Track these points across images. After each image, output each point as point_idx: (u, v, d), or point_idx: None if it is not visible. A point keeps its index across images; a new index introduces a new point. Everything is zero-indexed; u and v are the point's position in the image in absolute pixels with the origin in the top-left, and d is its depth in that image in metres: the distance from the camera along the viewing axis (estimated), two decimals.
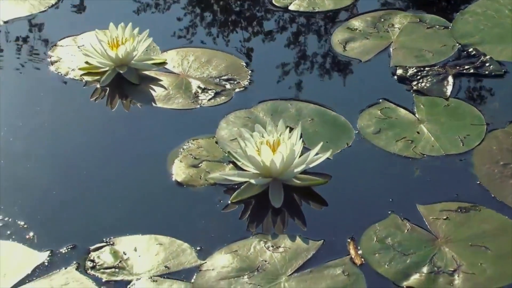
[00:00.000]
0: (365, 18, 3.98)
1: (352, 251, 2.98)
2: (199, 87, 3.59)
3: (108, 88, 3.65)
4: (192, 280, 2.91)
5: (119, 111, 3.57)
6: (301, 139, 3.17)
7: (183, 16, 4.19)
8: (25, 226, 3.08)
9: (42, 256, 2.98)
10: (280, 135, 3.17)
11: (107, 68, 3.68)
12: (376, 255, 2.92)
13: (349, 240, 3.02)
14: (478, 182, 3.18)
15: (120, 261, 2.94)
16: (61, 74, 3.72)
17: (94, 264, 2.94)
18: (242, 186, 3.15)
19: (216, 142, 3.37)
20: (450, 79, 3.58)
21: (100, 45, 3.64)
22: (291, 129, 3.22)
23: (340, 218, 3.10)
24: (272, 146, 3.15)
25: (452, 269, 2.86)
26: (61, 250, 3.00)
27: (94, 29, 3.88)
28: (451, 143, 3.32)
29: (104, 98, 3.60)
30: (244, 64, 3.70)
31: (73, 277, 2.91)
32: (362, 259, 2.95)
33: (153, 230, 3.06)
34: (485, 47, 3.75)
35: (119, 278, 2.91)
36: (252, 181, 3.12)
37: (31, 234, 3.06)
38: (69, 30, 3.96)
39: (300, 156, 3.18)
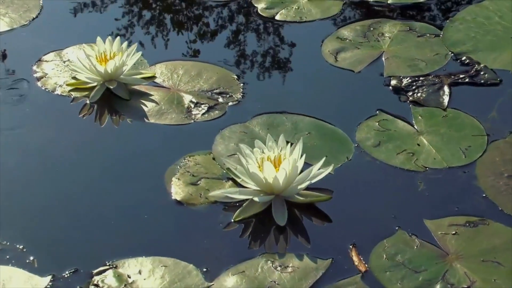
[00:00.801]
0: (355, 27, 3.94)
1: (355, 258, 2.96)
2: (191, 101, 3.53)
3: (97, 104, 3.55)
4: None
5: (110, 127, 3.50)
6: (304, 154, 3.07)
7: (169, 29, 4.09)
8: (24, 249, 3.01)
9: (44, 281, 2.91)
10: (281, 151, 3.08)
11: (95, 84, 3.58)
12: (387, 273, 2.88)
13: (350, 247, 2.98)
14: (484, 195, 3.14)
15: (125, 285, 2.88)
16: (48, 90, 3.61)
17: None
18: (244, 204, 3.10)
19: (214, 158, 3.31)
20: (446, 88, 3.53)
21: (88, 60, 3.53)
22: (290, 144, 3.10)
23: (345, 235, 3.04)
24: (274, 162, 3.03)
25: (466, 286, 2.81)
26: (63, 275, 2.92)
27: (77, 43, 3.85)
28: (453, 155, 3.28)
29: (94, 115, 3.54)
30: (235, 76, 3.62)
31: None
32: (366, 266, 2.91)
33: (156, 252, 3.00)
34: (478, 55, 3.72)
35: None
36: (256, 199, 3.06)
37: (31, 258, 2.98)
38: (53, 45, 3.85)
39: (301, 172, 3.07)
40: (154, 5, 4.19)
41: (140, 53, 3.60)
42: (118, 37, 3.60)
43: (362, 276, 2.88)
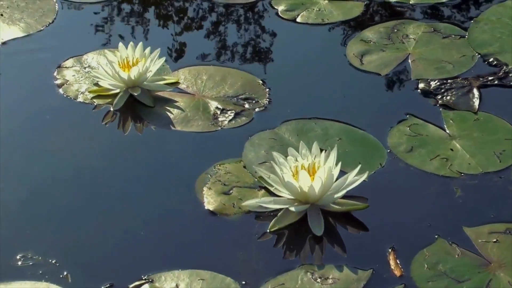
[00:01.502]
0: (378, 29, 3.88)
1: (392, 262, 2.93)
2: (217, 107, 3.47)
3: (121, 111, 3.49)
4: None
5: (135, 135, 3.44)
6: (339, 162, 3.02)
7: (190, 34, 4.01)
8: (57, 264, 2.93)
9: None
10: (314, 158, 3.02)
11: (118, 90, 3.52)
12: (430, 283, 2.84)
13: (389, 250, 2.95)
14: None
15: None
16: (70, 98, 3.53)
17: None
18: (279, 214, 3.05)
19: (244, 166, 3.25)
20: (475, 91, 3.49)
21: (111, 66, 3.46)
22: (323, 151, 3.06)
23: (383, 244, 3.00)
24: (308, 170, 2.98)
25: None
26: None
27: (96, 48, 3.76)
28: (488, 160, 3.23)
29: (118, 122, 3.48)
30: (261, 81, 3.55)
31: None
32: (402, 270, 2.88)
33: (192, 264, 2.95)
34: (505, 56, 3.68)
35: None
36: (292, 208, 3.01)
37: (64, 273, 2.90)
38: (72, 50, 3.77)
39: (336, 180, 3.04)
40: (174, 10, 4.08)
41: (163, 58, 3.54)
42: (141, 43, 3.54)
43: (404, 286, 2.80)
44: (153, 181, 3.27)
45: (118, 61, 3.53)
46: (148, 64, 3.51)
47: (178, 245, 3.04)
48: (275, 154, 3.09)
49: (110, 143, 3.41)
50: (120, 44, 3.53)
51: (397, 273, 2.86)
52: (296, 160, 3.09)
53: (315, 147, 3.08)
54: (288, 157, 3.08)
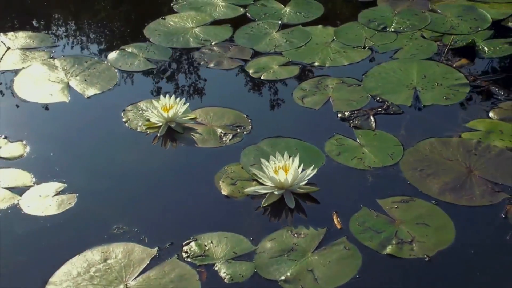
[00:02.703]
0: (309, 82, 3.82)
1: (335, 220, 2.90)
2: (221, 132, 3.36)
3: (163, 136, 3.37)
4: (254, 260, 2.63)
5: (173, 150, 3.37)
6: (302, 164, 2.93)
7: (197, 90, 3.91)
8: (137, 231, 2.80)
9: (153, 252, 2.69)
10: (285, 162, 2.94)
11: (161, 124, 3.36)
12: (361, 234, 2.78)
13: (334, 212, 2.93)
14: (408, 183, 3.02)
15: (204, 251, 2.70)
16: (132, 129, 3.40)
17: (188, 254, 2.70)
18: (267, 196, 2.94)
19: (242, 167, 3.13)
20: (371, 117, 3.45)
21: (157, 109, 3.36)
22: (289, 156, 3.02)
23: (329, 211, 2.94)
24: (283, 169, 2.94)
25: (410, 240, 2.69)
26: (165, 246, 2.72)
27: (144, 98, 3.67)
28: (385, 159, 3.22)
29: (162, 143, 3.37)
30: (245, 115, 3.43)
31: (177, 264, 2.69)
32: (341, 225, 2.86)
33: (218, 228, 2.86)
34: (386, 96, 3.66)
35: (206, 262, 2.68)
36: (276, 192, 2.91)
37: (143, 236, 2.76)
38: (130, 100, 3.62)
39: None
40: (189, 76, 3.94)
41: (187, 104, 3.44)
42: (173, 95, 3.39)
43: (347, 237, 2.71)
44: (188, 177, 3.19)
45: (161, 106, 3.33)
46: (178, 107, 3.35)
47: (208, 216, 2.96)
48: (262, 160, 2.99)
49: (158, 155, 3.30)
50: (161, 96, 3.43)
51: (339, 226, 2.80)
52: (275, 163, 2.95)
53: (286, 154, 3.01)
54: (271, 161, 2.94)
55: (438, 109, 3.51)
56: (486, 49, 3.99)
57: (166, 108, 3.39)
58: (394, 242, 2.70)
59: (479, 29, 4.21)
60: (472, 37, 4.11)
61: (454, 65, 3.86)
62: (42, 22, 4.70)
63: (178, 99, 3.40)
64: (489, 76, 3.77)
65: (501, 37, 4.12)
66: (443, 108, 3.52)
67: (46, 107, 3.63)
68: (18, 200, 2.97)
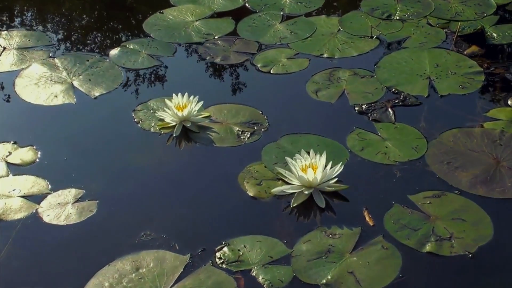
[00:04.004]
0: (321, 75, 3.72)
1: (366, 216, 2.84)
2: (238, 130, 3.26)
3: (179, 136, 3.28)
4: (291, 264, 2.56)
5: (190, 151, 3.28)
6: (330, 161, 2.86)
7: (211, 85, 3.79)
8: (166, 237, 2.71)
9: (186, 259, 2.61)
10: (312, 160, 2.86)
11: (175, 123, 3.26)
12: (398, 232, 2.71)
13: (364, 208, 2.86)
14: (437, 176, 2.95)
15: (238, 256, 2.62)
16: (145, 129, 3.30)
17: (222, 260, 2.61)
18: (295, 195, 2.85)
19: (265, 166, 3.04)
20: (390, 110, 3.37)
21: (171, 108, 3.25)
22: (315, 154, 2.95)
23: (360, 208, 2.86)
24: (311, 167, 2.87)
25: (448, 236, 2.64)
26: (197, 253, 2.63)
27: (153, 97, 3.58)
28: (410, 152, 3.15)
29: (178, 143, 3.29)
30: (260, 112, 3.35)
31: (212, 272, 2.60)
32: (373, 221, 2.80)
33: (249, 231, 2.78)
34: (401, 87, 3.57)
35: (242, 268, 2.60)
36: (306, 192, 2.84)
37: (173, 243, 2.67)
38: (139, 99, 3.53)
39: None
40: (197, 70, 3.83)
41: (201, 102, 3.33)
42: (186, 93, 3.31)
43: (383, 236, 2.65)
44: (209, 179, 3.10)
45: (175, 105, 3.24)
46: (193, 106, 3.25)
47: (236, 218, 2.89)
48: (288, 159, 2.92)
49: (176, 156, 3.23)
50: (174, 95, 3.32)
51: (371, 223, 2.74)
52: (301, 161, 2.87)
53: (312, 152, 2.95)
54: (297, 160, 2.87)
55: (455, 99, 3.47)
56: (494, 35, 3.95)
57: (180, 107, 3.27)
58: (432, 239, 2.65)
59: (485, 14, 4.16)
60: (478, 23, 4.06)
61: (465, 53, 3.80)
62: (35, 19, 4.55)
63: (192, 97, 3.29)
64: (502, 63, 3.71)
65: (508, 22, 4.09)
66: (460, 98, 3.47)
67: (52, 109, 3.50)
68: (36, 209, 2.87)
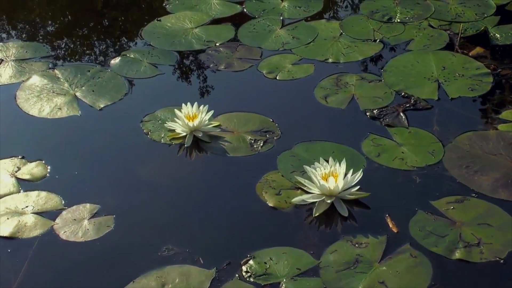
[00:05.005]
0: (328, 80, 3.68)
1: (389, 223, 2.79)
2: (251, 139, 3.21)
3: (190, 147, 3.23)
4: (320, 276, 2.52)
5: (203, 161, 3.21)
6: (351, 169, 2.82)
7: (218, 94, 3.73)
8: (189, 251, 2.65)
9: (212, 273, 2.56)
10: (331, 168, 2.83)
11: (186, 134, 3.21)
12: (425, 239, 2.67)
13: (387, 215, 2.82)
14: (458, 181, 2.93)
15: (266, 269, 2.58)
16: (155, 141, 3.24)
17: (250, 273, 2.56)
18: (316, 204, 2.81)
19: (282, 175, 2.99)
20: (402, 114, 3.33)
21: (182, 119, 3.19)
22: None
23: (383, 215, 2.80)
24: (332, 175, 2.82)
25: (477, 242, 2.61)
26: (222, 267, 2.58)
27: (160, 107, 3.49)
28: (427, 157, 3.11)
29: (190, 153, 3.24)
30: (271, 119, 3.30)
31: (241, 286, 2.53)
32: (397, 228, 2.75)
33: (273, 243, 2.73)
34: (410, 90, 3.55)
35: (271, 281, 2.57)
36: (328, 201, 2.81)
37: (197, 257, 2.62)
38: (145, 110, 3.45)
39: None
40: (202, 80, 3.82)
41: (212, 111, 3.27)
42: (196, 102, 3.26)
43: (410, 244, 2.62)
44: (226, 189, 3.05)
45: (185, 115, 3.19)
46: (203, 115, 3.20)
47: (259, 230, 2.84)
48: (307, 167, 2.88)
49: (190, 167, 3.19)
50: (183, 104, 3.24)
51: (395, 230, 2.72)
52: (321, 170, 2.82)
53: (331, 160, 2.91)
54: (317, 168, 2.83)
55: (466, 101, 3.45)
56: (498, 35, 3.95)
57: (190, 116, 3.22)
58: (461, 245, 2.62)
59: (485, 15, 4.15)
60: (479, 23, 4.05)
61: (470, 54, 3.79)
62: (31, 30, 4.46)
63: (202, 106, 3.24)
64: (509, 64, 3.71)
65: (510, 22, 4.07)
66: (471, 100, 3.45)
67: (57, 122, 3.43)
68: (52, 226, 2.80)
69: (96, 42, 4.28)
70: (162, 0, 4.52)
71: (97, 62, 4.00)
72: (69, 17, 4.64)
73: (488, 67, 3.66)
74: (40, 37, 4.32)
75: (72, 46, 4.23)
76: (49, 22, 4.60)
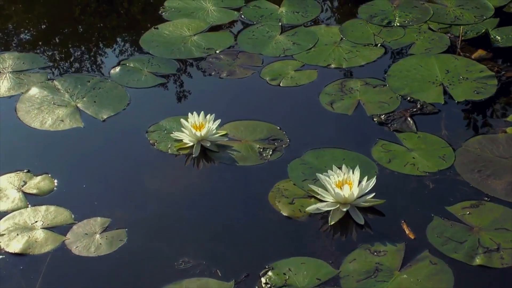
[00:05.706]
0: (332, 86, 3.65)
1: (406, 230, 2.77)
2: (259, 147, 3.18)
3: (198, 157, 3.19)
4: (341, 286, 2.51)
5: (214, 171, 3.16)
6: (366, 176, 2.80)
7: (222, 102, 3.68)
8: (206, 263, 2.61)
9: (231, 285, 2.53)
10: (344, 175, 2.81)
11: (193, 144, 3.18)
12: (444, 246, 2.65)
13: (403, 222, 2.80)
14: (471, 185, 2.91)
15: (285, 280, 2.55)
16: (162, 151, 3.20)
17: (269, 285, 2.54)
18: (331, 213, 2.79)
19: (294, 184, 2.96)
20: (409, 119, 3.31)
21: (188, 129, 3.15)
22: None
23: (398, 221, 2.76)
24: (347, 183, 2.78)
25: (496, 247, 2.60)
26: (241, 278, 2.54)
27: (164, 117, 3.45)
28: (438, 162, 3.09)
29: (198, 163, 3.20)
30: (278, 127, 3.27)
31: None
32: (414, 234, 2.73)
33: (291, 253, 2.70)
34: (416, 95, 3.54)
35: None
36: (344, 209, 2.79)
37: (214, 269, 2.59)
38: (149, 119, 3.41)
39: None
40: (205, 88, 3.78)
41: (219, 120, 3.23)
42: (202, 112, 3.22)
43: (429, 251, 2.61)
44: (238, 199, 3.02)
45: (192, 125, 3.15)
46: (210, 125, 3.17)
47: (275, 240, 2.81)
48: (320, 175, 2.86)
49: (200, 177, 3.15)
50: (190, 114, 3.20)
51: (411, 236, 2.70)
52: (335, 178, 2.81)
53: (344, 167, 2.88)
54: (331, 176, 2.80)
55: (472, 105, 3.44)
56: (498, 38, 3.95)
57: (197, 126, 3.18)
58: (480, 251, 2.61)
59: (484, 17, 4.15)
60: (479, 26, 4.05)
61: (472, 57, 3.79)
62: (26, 41, 4.40)
63: (209, 115, 3.21)
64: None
65: (508, 24, 4.08)
66: (477, 103, 3.45)
67: (60, 134, 3.38)
68: (63, 241, 2.75)
69: (92, 51, 4.23)
70: (157, 8, 4.45)
71: (96, 71, 3.93)
72: (60, 26, 4.56)
73: (492, 70, 3.64)
74: (37, 48, 4.25)
75: (69, 55, 4.17)
76: (46, 32, 4.53)
